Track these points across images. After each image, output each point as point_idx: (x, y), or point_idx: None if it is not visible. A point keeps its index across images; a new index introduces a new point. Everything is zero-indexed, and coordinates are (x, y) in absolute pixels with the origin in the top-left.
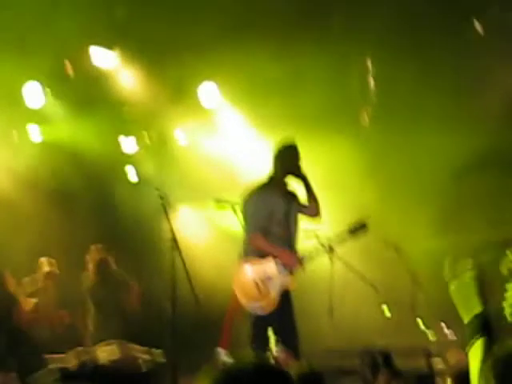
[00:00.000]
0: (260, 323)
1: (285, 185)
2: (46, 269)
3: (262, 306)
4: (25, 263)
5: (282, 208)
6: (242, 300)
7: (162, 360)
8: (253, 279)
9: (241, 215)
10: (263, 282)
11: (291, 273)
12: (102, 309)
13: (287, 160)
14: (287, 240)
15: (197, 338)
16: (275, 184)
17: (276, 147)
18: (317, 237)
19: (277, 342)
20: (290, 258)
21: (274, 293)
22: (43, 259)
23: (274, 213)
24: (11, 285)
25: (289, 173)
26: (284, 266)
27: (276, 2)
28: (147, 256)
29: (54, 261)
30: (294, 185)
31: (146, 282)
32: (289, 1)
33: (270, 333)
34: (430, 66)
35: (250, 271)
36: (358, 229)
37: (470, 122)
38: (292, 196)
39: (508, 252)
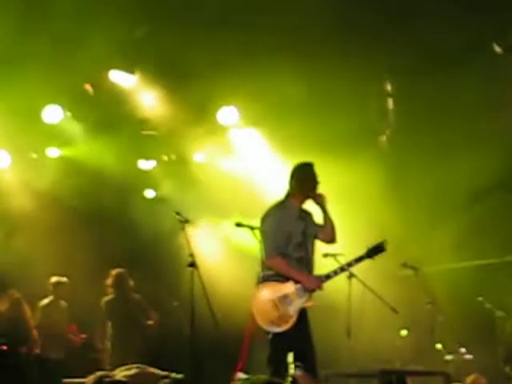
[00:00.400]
0: (278, 344)
1: (301, 205)
2: (53, 280)
3: (280, 326)
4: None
5: (300, 229)
6: (260, 321)
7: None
8: (271, 299)
9: (259, 238)
10: (281, 303)
11: (310, 296)
12: (122, 333)
13: (304, 180)
14: (305, 262)
15: (215, 358)
16: (292, 205)
17: (293, 167)
18: (335, 259)
19: (295, 363)
20: (312, 283)
21: (292, 313)
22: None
23: (292, 234)
24: (27, 312)
25: (307, 195)
26: (304, 290)
27: (296, 27)
28: (166, 275)
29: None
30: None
31: (165, 302)
32: (308, 25)
33: (289, 354)
34: (449, 88)
35: (269, 292)
36: (377, 250)
37: (491, 144)
38: (308, 215)
39: None
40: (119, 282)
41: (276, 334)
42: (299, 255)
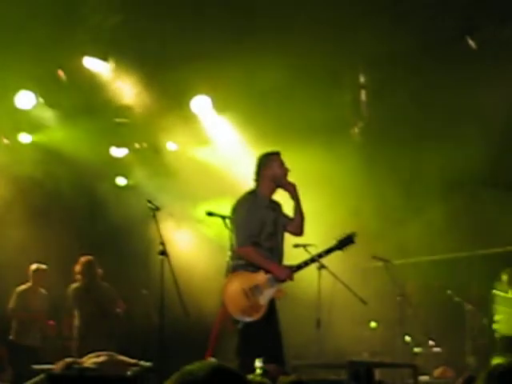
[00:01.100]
0: (247, 334)
1: (271, 195)
2: (33, 267)
3: (251, 316)
4: (14, 270)
5: (271, 219)
6: (230, 310)
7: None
8: (242, 289)
9: (231, 227)
10: (252, 292)
11: (281, 286)
12: (90, 321)
13: (271, 169)
14: (276, 252)
15: (184, 346)
16: (262, 194)
17: (259, 156)
18: (306, 249)
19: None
20: (283, 273)
21: (263, 302)
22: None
23: (264, 224)
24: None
25: (276, 184)
26: (275, 280)
27: (271, 15)
28: (136, 262)
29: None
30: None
31: (135, 290)
32: (283, 14)
33: (258, 346)
34: (424, 82)
35: (239, 281)
36: (346, 242)
37: (463, 138)
38: (278, 206)
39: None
40: (87, 269)
41: (246, 324)
42: (270, 245)
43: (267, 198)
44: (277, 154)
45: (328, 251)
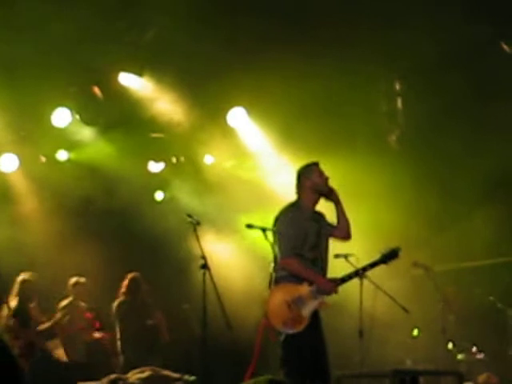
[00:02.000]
0: (290, 345)
1: (314, 206)
2: (72, 280)
3: (293, 327)
4: (55, 285)
5: (314, 230)
6: (273, 321)
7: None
8: (285, 300)
9: (272, 240)
10: (295, 304)
11: (324, 298)
12: (134, 337)
13: (312, 179)
14: (319, 263)
15: (227, 360)
16: (305, 206)
17: (298, 169)
18: (347, 260)
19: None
20: (327, 285)
21: (305, 314)
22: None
23: (306, 235)
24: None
25: (318, 193)
26: (319, 292)
27: (304, 26)
28: (176, 277)
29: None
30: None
31: (176, 304)
32: (316, 25)
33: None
34: (460, 89)
35: (283, 293)
36: (391, 256)
37: (498, 144)
38: (321, 216)
39: None
40: (134, 285)
41: (289, 335)
42: (314, 256)
43: (310, 209)
44: (315, 164)
45: (372, 265)
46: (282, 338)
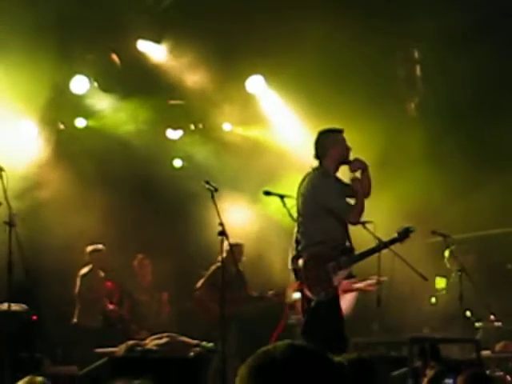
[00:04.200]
0: (318, 313)
1: (335, 173)
2: (89, 248)
3: (326, 290)
4: (74, 253)
5: (343, 196)
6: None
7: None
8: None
9: (292, 206)
10: (332, 268)
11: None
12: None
13: (338, 149)
14: (345, 232)
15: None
16: (330, 171)
17: (324, 133)
18: (364, 226)
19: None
20: (347, 285)
21: (336, 282)
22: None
23: (339, 199)
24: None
25: (339, 162)
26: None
27: None
28: (195, 243)
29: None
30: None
31: (194, 271)
32: None
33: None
34: (477, 58)
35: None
36: (405, 234)
37: None
38: (344, 184)
39: None
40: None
41: (320, 303)
42: (343, 223)
43: (333, 175)
44: (340, 132)
45: (389, 243)
46: (313, 304)
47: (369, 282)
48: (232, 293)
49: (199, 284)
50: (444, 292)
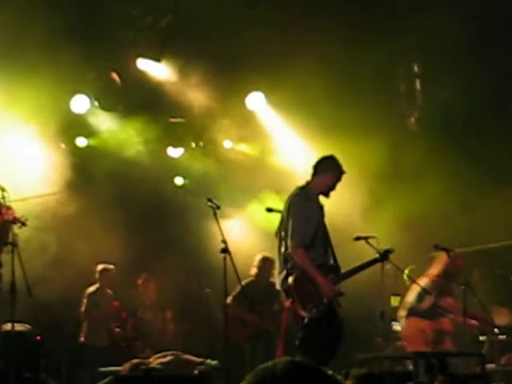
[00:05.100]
0: (312, 329)
1: (318, 196)
2: (100, 267)
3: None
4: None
5: (323, 221)
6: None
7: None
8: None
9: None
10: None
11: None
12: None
13: (329, 174)
14: (331, 252)
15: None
16: (313, 193)
17: (319, 159)
18: (367, 242)
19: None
20: (329, 290)
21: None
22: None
23: (319, 224)
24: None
25: (327, 190)
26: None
27: (322, 10)
28: (197, 261)
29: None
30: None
31: (197, 288)
32: (335, 10)
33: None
34: (477, 72)
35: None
36: (385, 255)
37: None
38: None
39: None
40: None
41: (312, 320)
42: (325, 244)
43: (317, 197)
44: (336, 161)
45: (372, 262)
46: (306, 321)
47: None
48: (265, 307)
49: (229, 300)
50: None
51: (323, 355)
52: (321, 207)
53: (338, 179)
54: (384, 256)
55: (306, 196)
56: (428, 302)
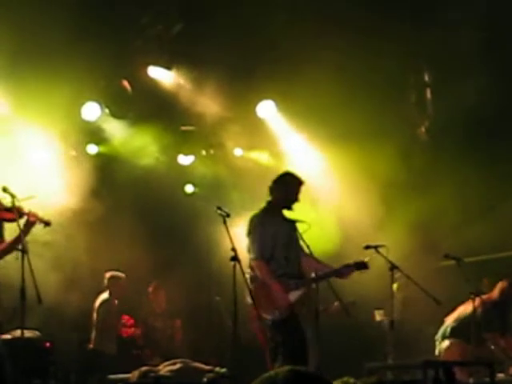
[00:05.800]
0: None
1: (280, 212)
2: (108, 274)
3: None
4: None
5: (286, 230)
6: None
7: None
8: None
9: (304, 230)
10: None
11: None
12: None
13: (290, 189)
14: (292, 261)
15: (258, 352)
16: (276, 209)
17: (282, 175)
18: (376, 251)
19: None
20: (280, 296)
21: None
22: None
23: (277, 234)
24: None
25: (286, 207)
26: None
27: (333, 18)
28: (207, 269)
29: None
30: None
31: (207, 296)
32: (345, 17)
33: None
34: (488, 80)
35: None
36: (361, 266)
37: None
38: (293, 223)
39: None
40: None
41: (276, 321)
42: (286, 255)
43: (279, 212)
44: (296, 176)
45: (342, 268)
46: (270, 323)
47: None
48: None
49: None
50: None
51: (296, 357)
52: (289, 221)
53: (297, 191)
54: (360, 265)
55: (266, 213)
56: None
